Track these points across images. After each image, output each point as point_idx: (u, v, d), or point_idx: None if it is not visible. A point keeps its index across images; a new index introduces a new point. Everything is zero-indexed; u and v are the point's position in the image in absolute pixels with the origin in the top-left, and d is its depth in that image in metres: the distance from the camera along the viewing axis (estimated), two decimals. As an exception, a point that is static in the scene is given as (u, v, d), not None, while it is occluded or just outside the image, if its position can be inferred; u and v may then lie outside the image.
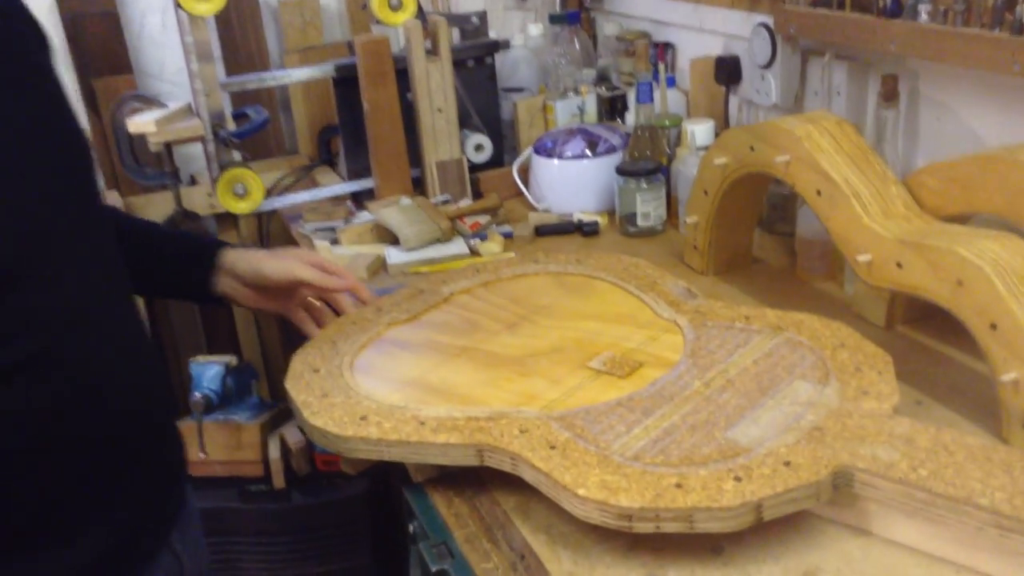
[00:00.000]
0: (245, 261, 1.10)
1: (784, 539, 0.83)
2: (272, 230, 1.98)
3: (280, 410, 1.82)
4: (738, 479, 0.80)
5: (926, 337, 1.14)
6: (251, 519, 1.71)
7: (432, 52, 1.63)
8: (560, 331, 1.11)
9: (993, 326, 0.91)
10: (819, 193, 1.11)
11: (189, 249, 1.12)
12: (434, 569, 0.83)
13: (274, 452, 1.73)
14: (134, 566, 0.89)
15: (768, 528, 0.81)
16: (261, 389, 1.98)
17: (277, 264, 1.11)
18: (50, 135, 0.79)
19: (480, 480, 0.93)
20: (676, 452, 0.85)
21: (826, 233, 1.29)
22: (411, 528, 0.93)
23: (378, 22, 1.69)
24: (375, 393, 0.99)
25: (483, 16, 1.87)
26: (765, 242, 1.45)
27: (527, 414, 0.93)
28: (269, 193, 1.72)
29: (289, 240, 1.78)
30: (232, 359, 1.78)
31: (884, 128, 1.26)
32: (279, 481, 1.73)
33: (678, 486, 0.80)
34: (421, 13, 1.67)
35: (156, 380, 0.91)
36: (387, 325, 1.15)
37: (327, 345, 1.10)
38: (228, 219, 1.97)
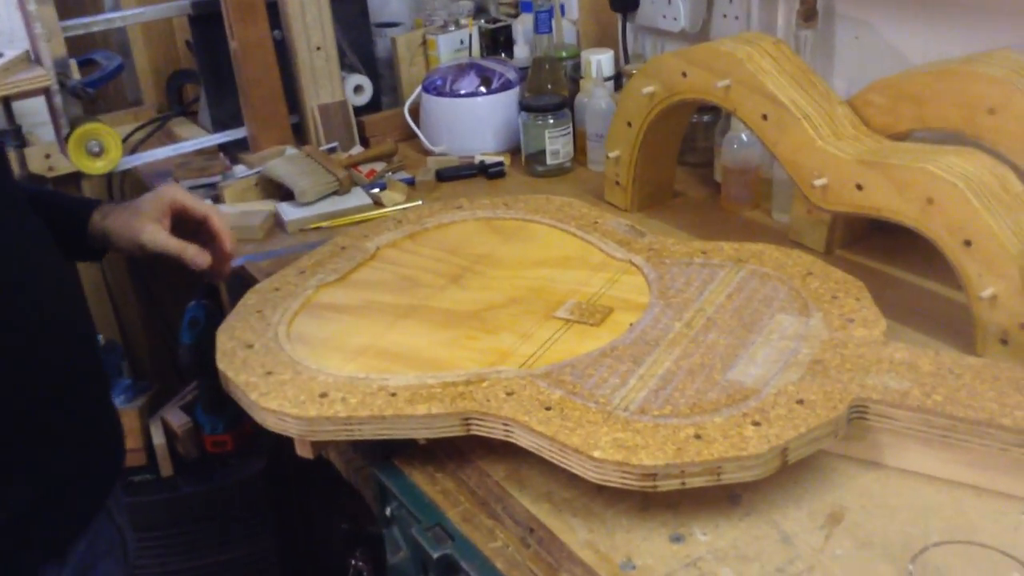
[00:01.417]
0: (119, 236, 1.02)
1: (798, 480, 0.79)
2: (127, 192, 1.76)
3: (157, 391, 1.65)
4: (756, 424, 0.75)
5: (867, 259, 1.13)
6: (137, 513, 1.54)
7: (306, -16, 1.48)
8: (511, 280, 1.03)
9: (967, 243, 0.90)
10: (765, 118, 1.06)
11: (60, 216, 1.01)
12: (436, 555, 0.73)
13: (158, 437, 1.57)
14: (68, 522, 0.85)
15: (780, 471, 0.77)
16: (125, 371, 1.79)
17: (154, 236, 1.00)
18: None
19: (459, 451, 0.84)
20: (682, 401, 0.79)
21: (750, 162, 1.27)
22: (388, 511, 0.82)
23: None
24: (327, 365, 0.88)
25: (350, -56, 1.72)
26: (678, 174, 1.40)
27: (507, 374, 0.84)
28: (121, 150, 1.52)
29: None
30: (98, 339, 1.59)
31: (803, 51, 1.23)
32: (166, 468, 1.58)
33: (697, 437, 0.74)
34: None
35: (85, 337, 0.92)
36: (316, 288, 1.02)
37: (253, 316, 0.97)
38: (71, 181, 1.74)
